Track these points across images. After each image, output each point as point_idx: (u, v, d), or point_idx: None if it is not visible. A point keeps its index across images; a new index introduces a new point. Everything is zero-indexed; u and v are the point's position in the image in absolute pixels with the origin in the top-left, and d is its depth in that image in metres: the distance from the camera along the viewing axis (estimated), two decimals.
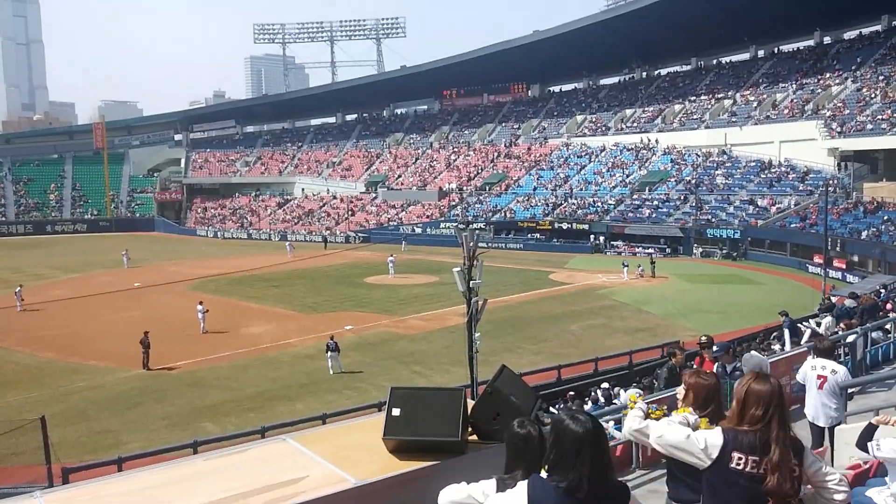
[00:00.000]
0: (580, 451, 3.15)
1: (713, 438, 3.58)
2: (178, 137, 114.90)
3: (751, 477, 3.46)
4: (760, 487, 3.44)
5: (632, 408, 4.21)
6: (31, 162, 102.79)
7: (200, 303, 33.48)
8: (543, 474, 3.29)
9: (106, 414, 21.90)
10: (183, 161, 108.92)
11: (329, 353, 25.97)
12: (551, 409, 16.54)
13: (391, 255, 51.48)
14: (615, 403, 16.21)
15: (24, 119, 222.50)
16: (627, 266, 47.93)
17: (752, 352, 12.45)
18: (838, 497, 3.60)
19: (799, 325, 21.47)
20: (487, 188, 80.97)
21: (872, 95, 59.95)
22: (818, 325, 18.97)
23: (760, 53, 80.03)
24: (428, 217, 78.02)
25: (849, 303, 20.22)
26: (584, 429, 3.18)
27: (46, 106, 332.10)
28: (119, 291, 44.14)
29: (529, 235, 68.13)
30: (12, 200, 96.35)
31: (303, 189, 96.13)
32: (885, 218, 47.00)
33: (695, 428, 3.96)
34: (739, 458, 3.48)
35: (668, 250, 58.52)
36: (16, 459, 17.37)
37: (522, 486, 3.25)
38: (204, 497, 3.70)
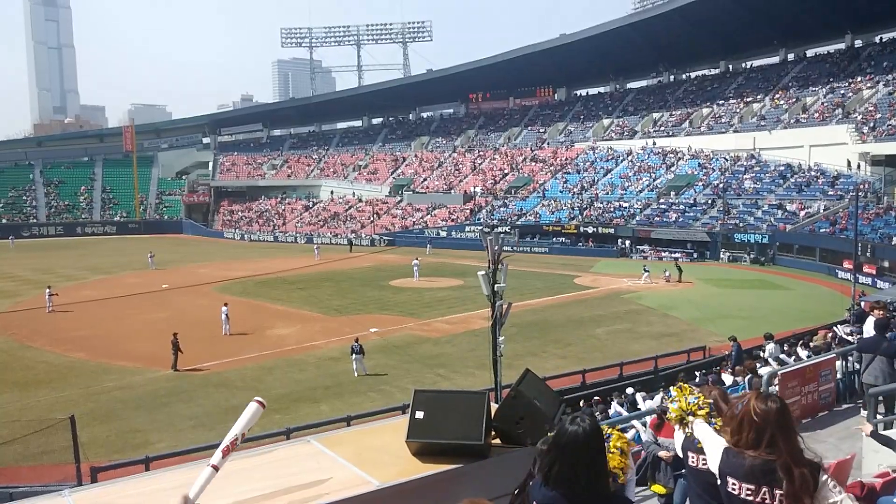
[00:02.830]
0: (576, 453, 3.14)
1: (715, 456, 3.47)
2: (206, 140, 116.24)
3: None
4: None
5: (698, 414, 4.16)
6: (62, 164, 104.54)
7: (225, 304, 33.70)
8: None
9: (134, 414, 22.15)
10: (211, 164, 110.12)
11: (354, 355, 26.05)
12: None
13: (416, 259, 51.56)
14: (639, 409, 16.09)
15: (56, 122, 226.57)
16: (648, 271, 47.59)
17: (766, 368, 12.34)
18: None
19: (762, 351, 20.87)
20: (513, 192, 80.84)
21: None
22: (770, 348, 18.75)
23: (790, 57, 79.09)
24: (453, 220, 78.06)
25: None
26: (581, 430, 3.17)
27: (77, 109, 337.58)
28: (147, 293, 44.67)
29: (554, 239, 67.86)
30: (43, 202, 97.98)
31: (331, 192, 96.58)
32: None
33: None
34: (734, 484, 3.30)
35: (694, 255, 57.99)
36: (46, 458, 17.62)
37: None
38: (229, 497, 3.74)
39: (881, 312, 11.57)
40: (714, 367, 20.13)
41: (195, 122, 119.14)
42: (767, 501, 3.21)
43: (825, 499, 3.20)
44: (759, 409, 3.30)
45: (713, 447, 3.54)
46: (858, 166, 57.82)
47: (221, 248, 77.25)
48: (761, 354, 18.93)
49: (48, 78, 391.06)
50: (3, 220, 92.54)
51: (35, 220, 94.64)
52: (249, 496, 3.77)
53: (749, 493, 3.24)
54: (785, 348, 18.34)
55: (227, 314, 32.66)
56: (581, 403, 18.22)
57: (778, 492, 3.18)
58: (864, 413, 10.95)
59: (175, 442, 19.13)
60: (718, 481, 3.43)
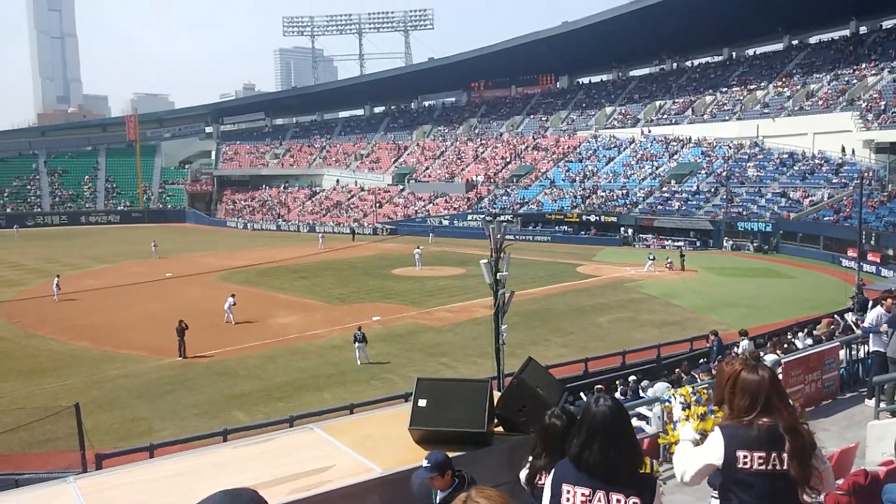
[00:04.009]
0: (604, 432, 3.19)
1: (714, 441, 3.37)
2: (208, 130, 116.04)
3: (762, 475, 3.25)
4: (773, 485, 3.24)
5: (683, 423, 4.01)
6: (66, 154, 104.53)
7: (232, 295, 33.62)
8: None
9: (138, 401, 22.25)
10: (213, 153, 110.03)
11: (356, 343, 26.10)
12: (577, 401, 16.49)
13: (418, 247, 51.54)
14: (642, 397, 16.12)
15: (59, 112, 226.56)
16: (654, 259, 47.53)
17: (770, 354, 12.33)
18: (827, 489, 3.47)
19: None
20: (515, 180, 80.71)
21: None
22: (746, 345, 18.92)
23: (794, 44, 78.68)
24: (455, 209, 78.01)
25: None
26: (607, 409, 3.23)
27: (80, 99, 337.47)
28: (151, 282, 44.74)
29: (557, 228, 67.80)
30: (47, 192, 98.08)
31: (338, 180, 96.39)
32: None
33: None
34: (745, 457, 3.26)
35: (697, 243, 57.91)
36: (51, 445, 17.73)
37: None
38: (233, 484, 3.75)
39: (894, 301, 11.53)
40: (700, 360, 19.99)
41: (198, 111, 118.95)
42: (778, 467, 3.23)
43: (819, 462, 3.29)
44: (750, 377, 3.35)
45: (711, 438, 3.45)
46: (853, 152, 57.88)
47: (224, 237, 77.31)
48: (736, 350, 19.06)
49: (51, 67, 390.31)
50: (8, 210, 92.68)
51: (39, 210, 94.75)
52: (254, 483, 3.79)
53: (760, 461, 3.25)
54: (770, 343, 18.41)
55: (232, 305, 32.72)
56: (617, 384, 18.26)
57: (784, 455, 3.22)
58: (868, 402, 10.96)
59: (179, 430, 19.22)
60: (722, 466, 3.35)
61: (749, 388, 3.33)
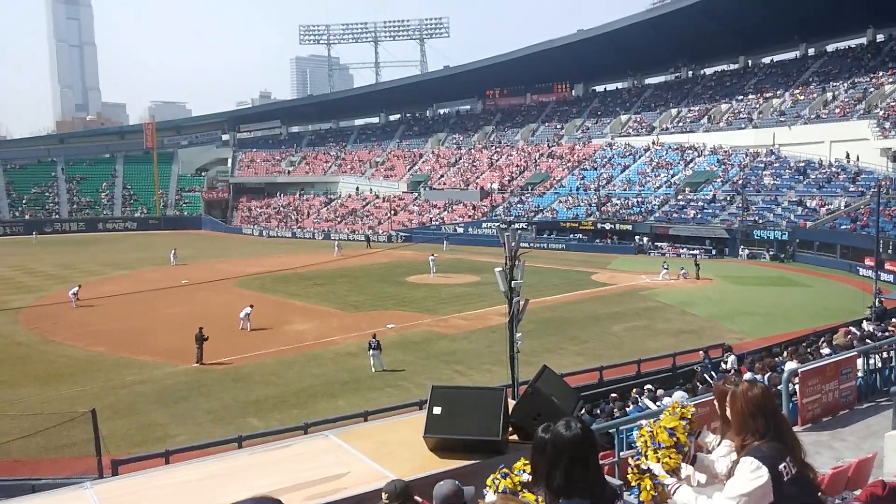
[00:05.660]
0: (578, 457, 3.13)
1: (751, 467, 3.39)
2: (225, 137, 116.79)
3: (793, 480, 3.40)
4: (800, 487, 3.40)
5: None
6: (84, 161, 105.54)
7: (251, 305, 33.73)
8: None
9: (154, 407, 22.36)
10: (230, 160, 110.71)
11: (371, 351, 26.12)
12: (595, 409, 16.42)
13: (432, 255, 51.55)
14: (658, 406, 16.01)
15: (78, 119, 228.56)
16: (668, 268, 47.29)
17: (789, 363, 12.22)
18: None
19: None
20: (530, 188, 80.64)
21: None
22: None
23: (811, 52, 78.26)
24: (470, 217, 78.02)
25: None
26: (574, 433, 3.16)
27: (99, 106, 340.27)
28: (168, 288, 45.01)
29: (572, 236, 67.65)
30: (66, 198, 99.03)
31: (358, 188, 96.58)
32: None
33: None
34: (785, 466, 3.39)
35: (713, 251, 57.59)
36: (67, 451, 17.84)
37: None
38: (248, 490, 3.78)
39: None
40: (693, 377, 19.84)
41: (214, 119, 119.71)
42: (794, 472, 3.41)
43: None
44: (757, 393, 3.54)
45: (746, 466, 3.42)
46: (857, 158, 57.97)
47: (240, 244, 77.72)
48: (723, 366, 18.96)
49: (70, 75, 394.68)
50: (27, 216, 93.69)
51: (57, 216, 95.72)
52: (269, 489, 3.81)
53: (789, 465, 3.41)
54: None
55: (248, 314, 32.88)
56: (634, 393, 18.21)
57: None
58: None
59: (194, 436, 19.30)
60: (774, 489, 3.37)
61: (760, 407, 3.49)
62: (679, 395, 15.62)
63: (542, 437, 3.31)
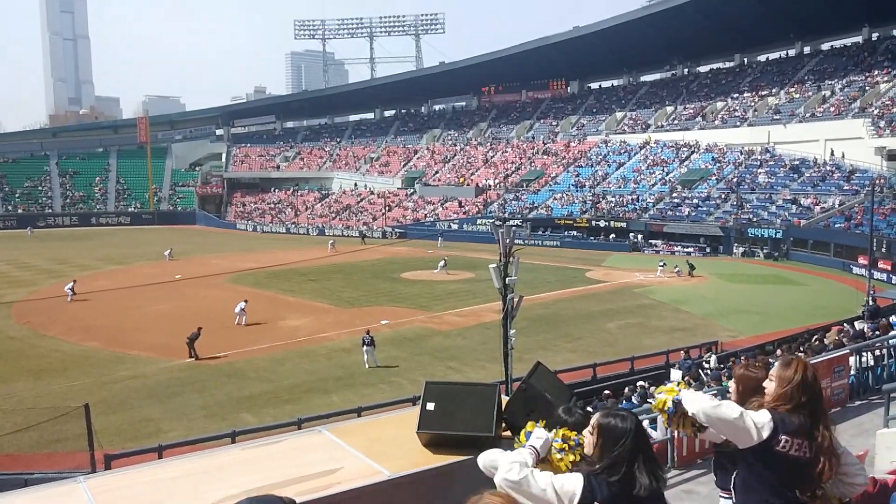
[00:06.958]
0: (629, 446, 3.17)
1: (762, 419, 3.49)
2: (219, 132, 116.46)
3: (795, 459, 3.45)
4: (800, 469, 3.45)
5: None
6: (77, 155, 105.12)
7: (245, 301, 33.77)
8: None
9: (147, 403, 22.31)
10: (224, 155, 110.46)
11: (365, 347, 26.12)
12: (587, 407, 16.44)
13: (443, 259, 50.51)
14: (650, 402, 16.04)
15: (71, 113, 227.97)
16: (664, 265, 47.41)
17: None
18: (859, 481, 3.65)
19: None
20: (525, 185, 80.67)
21: None
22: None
23: (806, 50, 78.48)
24: (464, 213, 78.03)
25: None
26: (629, 424, 3.21)
27: (92, 100, 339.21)
28: (161, 283, 44.89)
29: (566, 233, 67.74)
30: (59, 193, 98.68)
31: (355, 184, 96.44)
32: None
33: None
34: (787, 441, 3.43)
35: (707, 249, 57.74)
36: (60, 446, 17.80)
37: (578, 475, 3.23)
38: (241, 486, 3.78)
39: None
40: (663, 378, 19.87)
41: (209, 113, 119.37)
42: (807, 455, 3.45)
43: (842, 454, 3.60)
44: (809, 376, 3.58)
45: (743, 412, 3.49)
46: (843, 155, 58.47)
47: (234, 239, 77.54)
48: (704, 366, 19.00)
49: (63, 69, 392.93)
50: (20, 210, 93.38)
51: (50, 211, 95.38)
52: (261, 485, 3.80)
53: (798, 446, 3.45)
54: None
55: (242, 309, 32.88)
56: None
57: (813, 444, 3.48)
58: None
59: (187, 431, 19.28)
60: (755, 442, 3.46)
61: (807, 385, 3.53)
62: (676, 374, 15.69)
63: (622, 427, 3.26)
